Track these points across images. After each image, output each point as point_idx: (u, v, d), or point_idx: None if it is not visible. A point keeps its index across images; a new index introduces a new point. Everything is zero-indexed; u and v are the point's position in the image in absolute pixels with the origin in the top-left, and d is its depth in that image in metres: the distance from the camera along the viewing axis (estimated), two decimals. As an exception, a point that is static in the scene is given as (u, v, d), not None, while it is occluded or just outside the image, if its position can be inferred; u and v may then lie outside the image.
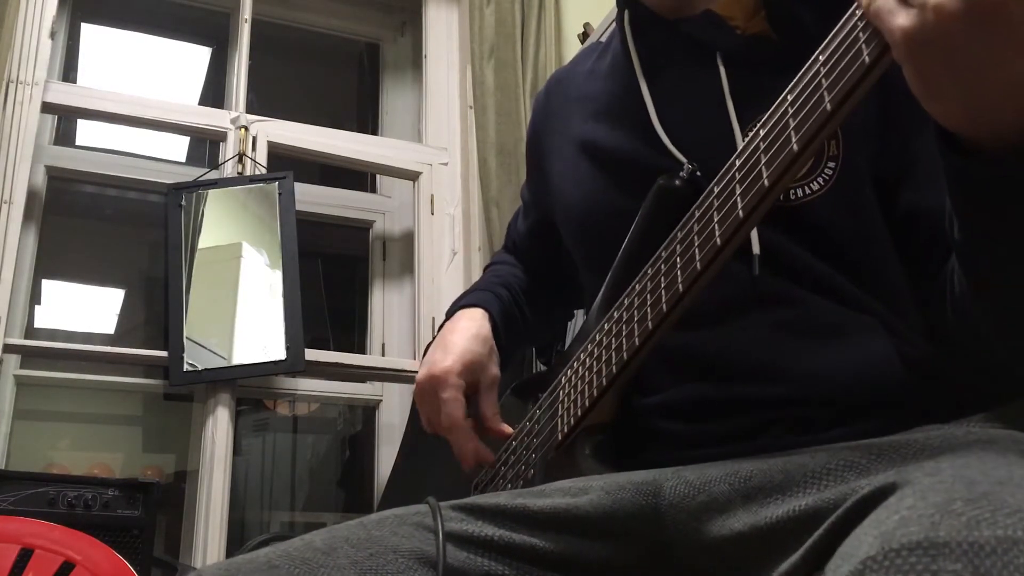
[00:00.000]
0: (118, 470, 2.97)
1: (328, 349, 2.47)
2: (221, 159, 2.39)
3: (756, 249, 0.72)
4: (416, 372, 0.94)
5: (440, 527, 0.66)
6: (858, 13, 0.54)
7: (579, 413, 0.78)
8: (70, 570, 1.44)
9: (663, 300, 0.69)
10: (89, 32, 3.17)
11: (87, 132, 3.15)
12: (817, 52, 0.57)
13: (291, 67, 3.52)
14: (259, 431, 3.38)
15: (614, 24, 0.93)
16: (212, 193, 2.26)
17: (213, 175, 2.36)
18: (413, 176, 2.58)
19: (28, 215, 2.16)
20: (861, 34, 0.53)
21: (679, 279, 0.68)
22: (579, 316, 1.37)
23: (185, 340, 2.09)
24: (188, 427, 2.57)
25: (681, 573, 0.65)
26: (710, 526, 0.62)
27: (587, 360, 0.80)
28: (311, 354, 2.18)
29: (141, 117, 2.34)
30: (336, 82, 3.64)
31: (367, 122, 3.09)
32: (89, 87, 2.44)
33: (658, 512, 0.65)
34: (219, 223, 2.24)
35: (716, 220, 0.65)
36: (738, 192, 0.63)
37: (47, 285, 3.42)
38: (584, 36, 2.49)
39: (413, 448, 1.56)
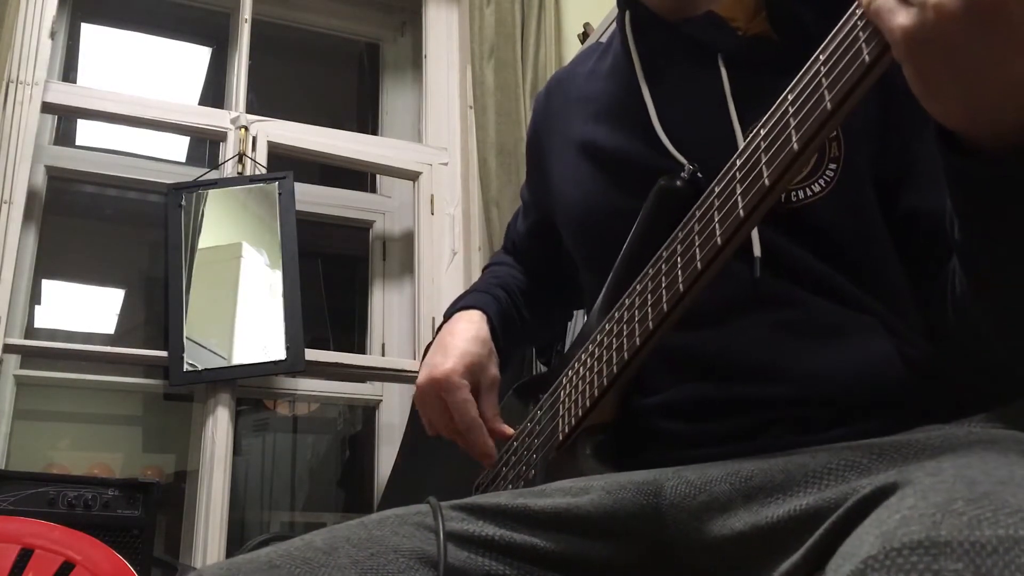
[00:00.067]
0: (118, 470, 2.97)
1: (328, 349, 2.47)
2: (221, 159, 2.39)
3: (757, 251, 0.72)
4: (416, 372, 0.94)
5: (441, 527, 0.66)
6: (858, 12, 0.54)
7: (580, 413, 0.78)
8: (70, 570, 1.43)
9: (664, 300, 0.69)
10: (89, 32, 3.17)
11: (87, 132, 3.15)
12: (818, 51, 0.57)
13: (291, 67, 3.52)
14: (259, 431, 3.38)
15: (614, 24, 0.93)
16: (212, 193, 2.26)
17: (213, 175, 2.36)
18: (413, 176, 2.58)
19: (28, 215, 2.16)
20: (861, 33, 0.53)
21: (680, 279, 0.68)
22: (580, 316, 1.37)
23: (185, 340, 2.09)
24: (188, 427, 2.57)
25: (682, 573, 0.65)
26: (711, 526, 0.62)
27: (588, 360, 0.80)
28: (311, 354, 2.18)
29: (141, 117, 2.34)
30: (336, 82, 3.64)
31: (367, 122, 3.09)
32: (89, 87, 2.44)
33: (659, 512, 0.65)
34: (219, 223, 2.24)
35: (717, 220, 0.65)
36: (739, 192, 0.63)
37: (47, 285, 3.42)
38: (584, 36, 2.49)
39: (413, 448, 1.56)
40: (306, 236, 2.41)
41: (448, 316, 0.99)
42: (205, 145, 2.97)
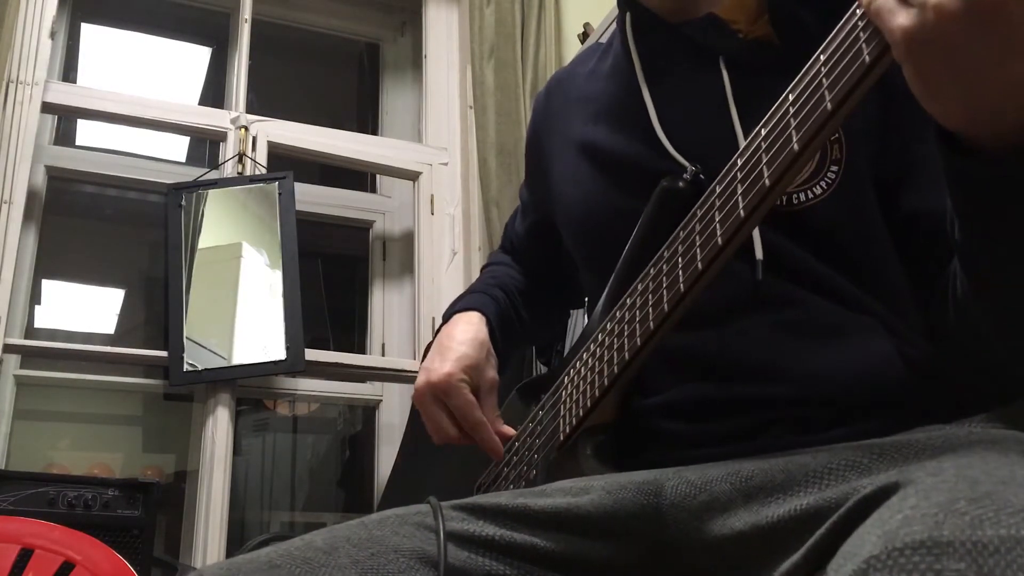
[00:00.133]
0: (118, 470, 2.97)
1: (328, 349, 2.47)
2: (221, 159, 2.39)
3: (759, 254, 0.72)
4: (416, 372, 0.94)
5: (441, 527, 0.66)
6: (859, 13, 0.54)
7: (581, 413, 0.78)
8: (70, 570, 1.43)
9: (665, 300, 0.69)
10: (89, 32, 3.17)
11: (87, 132, 3.15)
12: (818, 52, 0.57)
13: (291, 67, 3.52)
14: (259, 431, 3.38)
15: (614, 25, 0.93)
16: (212, 193, 2.26)
17: (213, 175, 2.36)
18: (413, 176, 2.58)
19: (28, 215, 2.16)
20: (862, 34, 0.54)
21: (681, 279, 0.68)
22: (580, 316, 1.37)
23: (185, 340, 2.09)
24: (188, 427, 2.57)
25: (682, 573, 0.65)
26: (711, 525, 0.62)
27: (589, 360, 0.80)
28: (311, 354, 2.18)
29: (141, 117, 2.34)
30: (336, 82, 3.64)
31: (367, 122, 3.09)
32: (89, 87, 2.44)
33: (659, 512, 0.65)
34: (219, 223, 2.24)
35: (718, 220, 0.65)
36: (739, 192, 0.63)
37: (47, 285, 3.42)
38: (584, 36, 2.49)
39: (413, 448, 1.56)
40: (306, 236, 2.41)
41: (447, 318, 0.99)
42: (205, 145, 2.97)
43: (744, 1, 0.81)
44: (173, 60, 3.44)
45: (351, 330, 3.00)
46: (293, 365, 2.11)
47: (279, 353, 2.10)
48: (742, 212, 0.62)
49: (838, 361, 0.70)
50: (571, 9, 2.65)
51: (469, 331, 0.94)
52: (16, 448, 2.23)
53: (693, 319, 0.71)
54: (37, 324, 3.25)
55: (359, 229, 2.75)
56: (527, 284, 1.07)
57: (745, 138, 0.71)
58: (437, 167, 2.59)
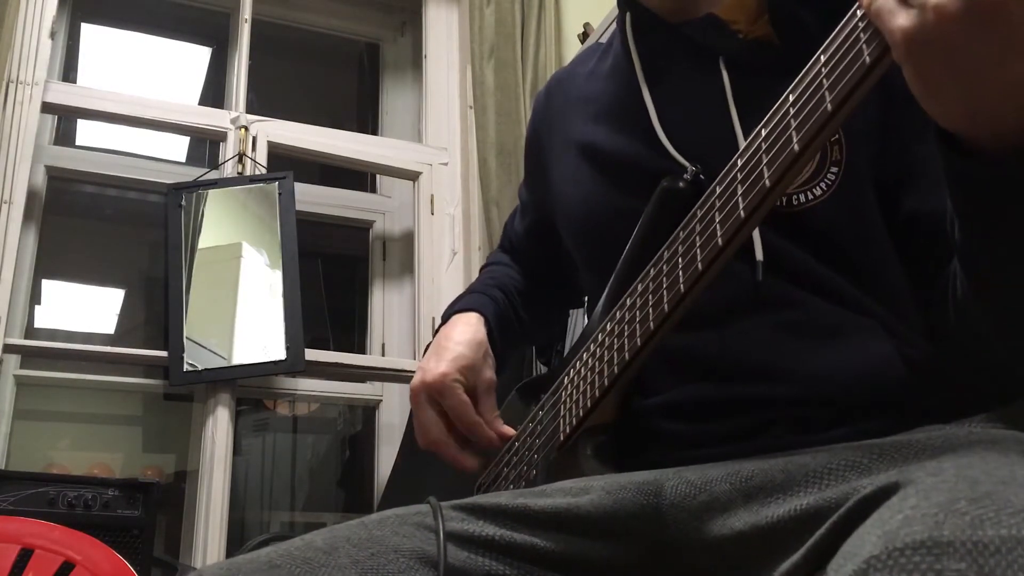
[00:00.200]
0: (118, 470, 2.97)
1: (328, 349, 2.47)
2: (221, 159, 2.39)
3: (759, 255, 0.73)
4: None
5: (441, 527, 0.66)
6: (859, 13, 0.54)
7: (581, 413, 0.78)
8: (70, 570, 1.43)
9: (665, 300, 0.69)
10: (89, 32, 3.17)
11: (87, 132, 3.15)
12: (818, 52, 0.57)
13: (291, 67, 3.52)
14: (259, 431, 3.38)
15: (614, 25, 0.93)
16: (212, 193, 2.26)
17: (213, 175, 2.36)
18: (413, 176, 2.58)
19: (28, 215, 2.16)
20: (862, 34, 0.54)
21: (681, 279, 0.68)
22: (580, 316, 1.37)
23: (185, 340, 2.09)
24: (188, 427, 2.57)
25: (682, 573, 0.65)
26: (711, 526, 0.62)
27: (589, 360, 0.80)
28: (311, 354, 2.18)
29: (141, 117, 2.34)
30: (336, 82, 3.64)
31: (367, 122, 3.09)
32: (89, 87, 2.44)
33: (659, 512, 0.65)
34: (219, 223, 2.24)
35: (718, 220, 0.65)
36: (740, 192, 0.63)
37: (47, 285, 3.42)
38: (584, 36, 2.49)
39: (413, 448, 1.56)
40: (306, 236, 2.41)
41: (445, 318, 0.99)
42: (205, 145, 2.97)
43: (744, 1, 0.81)
44: (173, 60, 3.44)
45: (351, 330, 3.00)
46: (293, 365, 2.11)
47: (279, 353, 2.10)
48: (742, 213, 0.62)
49: (838, 361, 0.70)
50: (571, 9, 2.65)
51: (467, 332, 0.94)
52: (16, 448, 2.23)
53: (693, 319, 0.71)
54: (37, 324, 3.25)
55: (359, 229, 2.75)
56: (526, 284, 1.07)
57: (745, 138, 0.71)
58: (437, 167, 2.59)
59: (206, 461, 2.06)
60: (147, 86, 3.15)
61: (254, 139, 2.39)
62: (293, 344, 2.11)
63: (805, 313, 0.73)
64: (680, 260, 0.68)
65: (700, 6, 0.82)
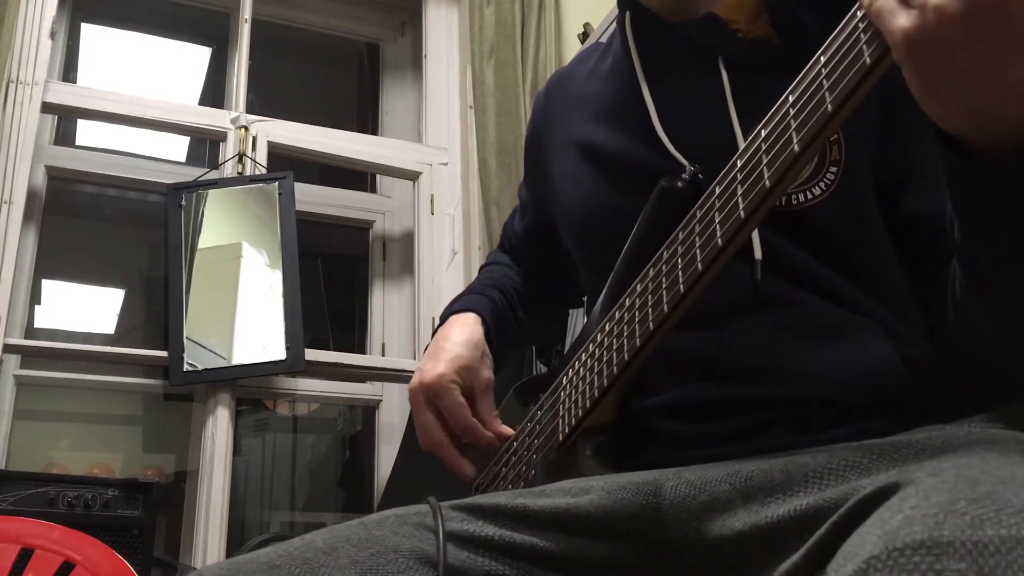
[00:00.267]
0: (118, 470, 2.97)
1: (328, 349, 2.47)
2: (221, 159, 2.39)
3: (758, 254, 0.73)
4: (417, 372, 0.95)
5: (441, 527, 0.66)
6: (859, 14, 0.54)
7: (580, 414, 0.78)
8: (70, 570, 1.43)
9: (664, 300, 0.69)
10: (89, 32, 3.17)
11: (87, 132, 3.15)
12: (819, 53, 0.57)
13: (291, 67, 3.52)
14: (259, 431, 3.38)
15: (614, 25, 0.93)
16: (212, 193, 2.26)
17: (213, 175, 2.36)
18: (413, 176, 2.58)
19: (28, 215, 2.16)
20: (863, 35, 0.53)
21: (680, 279, 0.68)
22: (580, 316, 1.37)
23: (185, 340, 2.09)
24: (188, 427, 2.57)
25: (682, 573, 0.65)
26: (711, 526, 0.62)
27: (588, 360, 0.80)
28: (311, 354, 2.18)
29: (141, 117, 2.34)
30: (336, 82, 3.64)
31: (367, 122, 3.09)
32: (89, 87, 2.44)
33: (659, 512, 0.65)
34: (219, 223, 2.24)
35: (718, 221, 0.65)
36: (739, 192, 0.63)
37: (47, 285, 3.42)
38: (584, 36, 2.49)
39: (413, 448, 1.56)
40: (306, 236, 2.41)
41: (443, 319, 0.99)
42: (205, 145, 2.97)
43: (743, 1, 0.81)
44: (173, 60, 3.44)
45: (351, 330, 3.00)
46: (293, 365, 2.11)
47: (279, 353, 2.10)
48: (742, 213, 0.62)
49: (838, 361, 0.70)
50: (571, 9, 2.65)
51: (464, 332, 0.94)
52: (16, 448, 2.23)
53: (693, 319, 0.71)
54: (37, 324, 3.25)
55: (359, 229, 2.75)
56: (525, 284, 1.07)
57: (744, 138, 0.71)
58: (437, 167, 2.59)
59: (206, 461, 2.06)
60: (147, 86, 3.16)
61: (254, 139, 2.39)
62: (293, 344, 2.11)
63: (804, 313, 0.73)
64: (679, 260, 0.68)
65: (700, 6, 0.82)
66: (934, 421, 0.66)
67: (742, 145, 0.64)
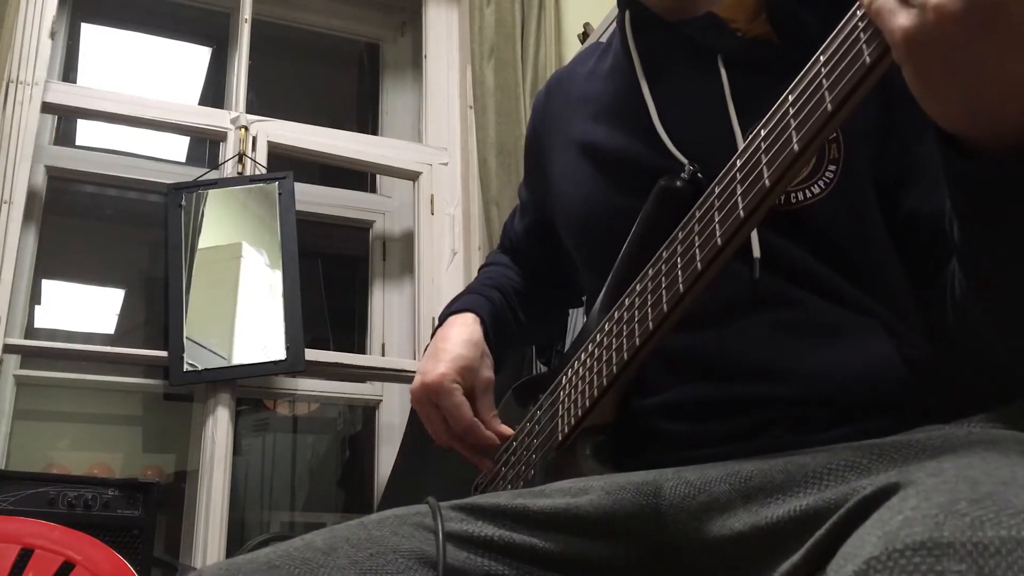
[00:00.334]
0: (118, 470, 2.97)
1: (328, 349, 2.47)
2: (221, 159, 2.39)
3: (757, 252, 0.72)
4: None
5: (440, 527, 0.66)
6: (859, 13, 0.54)
7: (580, 413, 0.78)
8: (70, 570, 1.43)
9: (664, 300, 0.69)
10: (89, 32, 3.17)
11: (87, 132, 3.15)
12: (818, 52, 0.57)
13: (291, 67, 3.52)
14: (259, 431, 3.38)
15: (614, 24, 0.92)
16: (212, 193, 2.26)
17: (213, 175, 2.36)
18: (413, 176, 2.58)
19: (28, 215, 2.15)
20: (862, 34, 0.53)
21: (680, 279, 0.68)
22: (579, 316, 1.37)
23: (185, 340, 2.09)
24: (188, 427, 2.57)
25: (682, 573, 0.65)
26: (711, 526, 0.62)
27: (588, 360, 0.80)
28: (311, 354, 2.18)
29: (141, 117, 2.34)
30: (336, 82, 3.64)
31: (367, 122, 3.09)
32: (89, 87, 2.44)
33: (658, 512, 0.65)
34: (219, 223, 2.24)
35: (717, 220, 0.65)
36: (739, 192, 0.63)
37: (47, 285, 3.42)
38: (584, 36, 2.49)
39: (413, 448, 1.56)
40: (306, 236, 2.41)
41: (442, 320, 0.99)
42: (205, 145, 2.97)
43: (743, 0, 0.81)
44: (173, 60, 3.44)
45: (351, 330, 3.00)
46: (293, 365, 2.11)
47: (279, 353, 2.10)
48: (741, 213, 0.62)
49: (837, 361, 0.70)
50: (571, 9, 2.65)
51: (463, 332, 0.94)
52: (16, 448, 2.23)
53: (692, 319, 0.71)
54: (37, 324, 3.25)
55: (359, 229, 2.75)
56: (525, 284, 1.07)
57: (744, 137, 0.71)
58: (437, 167, 2.59)
59: (206, 461, 2.06)
60: (147, 86, 3.15)
61: (254, 139, 2.39)
62: (293, 344, 2.11)
63: (804, 312, 0.73)
64: (679, 260, 0.68)
65: (699, 5, 0.82)
66: (934, 421, 0.66)
67: (741, 144, 0.64)
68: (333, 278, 3.42)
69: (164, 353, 2.10)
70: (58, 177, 2.39)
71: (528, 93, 2.45)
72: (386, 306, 2.60)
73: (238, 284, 2.18)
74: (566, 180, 0.92)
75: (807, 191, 0.74)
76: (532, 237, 1.07)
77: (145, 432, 3.17)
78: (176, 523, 2.30)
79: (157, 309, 3.06)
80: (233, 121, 2.40)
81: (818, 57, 0.57)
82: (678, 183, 0.75)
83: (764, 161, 0.61)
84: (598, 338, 0.79)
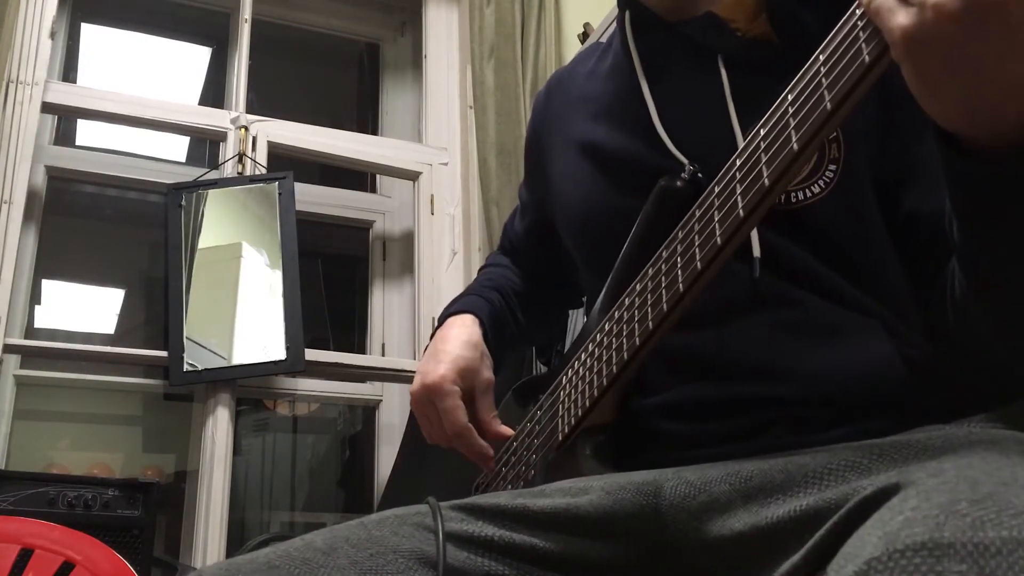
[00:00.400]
0: (118, 470, 2.97)
1: (328, 349, 2.47)
2: (221, 159, 2.39)
3: (757, 252, 0.72)
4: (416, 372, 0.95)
5: (440, 527, 0.66)
6: (858, 12, 0.54)
7: (580, 413, 0.78)
8: (70, 570, 1.43)
9: (664, 300, 0.69)
10: (89, 32, 3.17)
11: (87, 132, 3.15)
12: (818, 51, 0.57)
13: (291, 67, 3.52)
14: (259, 431, 3.38)
15: (614, 24, 0.92)
16: (212, 193, 2.26)
17: (213, 175, 2.36)
18: (413, 176, 2.58)
19: (28, 215, 2.15)
20: (861, 33, 0.53)
21: (679, 279, 0.67)
22: (579, 316, 1.37)
23: (185, 340, 2.09)
24: (188, 427, 2.57)
25: (682, 573, 0.65)
26: (711, 526, 0.62)
27: (588, 360, 0.80)
28: (311, 354, 2.18)
29: (141, 117, 2.34)
30: (336, 82, 3.64)
31: (367, 122, 3.09)
32: (89, 87, 2.44)
33: (658, 512, 0.65)
34: (219, 223, 2.24)
35: (717, 220, 0.65)
36: (739, 192, 0.63)
37: (47, 285, 3.42)
38: (584, 36, 2.49)
39: (413, 448, 1.56)
40: (306, 236, 2.41)
41: (441, 321, 0.99)
42: (205, 145, 2.97)
43: (743, 0, 0.81)
44: (173, 60, 3.44)
45: (351, 330, 3.00)
46: (293, 365, 2.11)
47: (279, 353, 2.10)
48: (741, 212, 0.62)
49: (837, 361, 0.70)
50: (571, 9, 2.65)
51: (463, 334, 0.94)
52: (16, 448, 2.23)
53: (692, 319, 0.71)
54: (37, 324, 3.25)
55: (359, 229, 2.75)
56: (524, 285, 1.07)
57: (744, 137, 0.71)
58: (437, 167, 2.59)
59: (206, 461, 2.06)
60: (147, 86, 3.16)
61: (254, 139, 2.39)
62: (293, 344, 2.11)
63: (804, 312, 0.73)
64: (679, 260, 0.68)
65: (699, 5, 0.82)
66: (934, 421, 0.66)
67: (741, 144, 0.64)
68: (333, 278, 3.42)
69: (164, 353, 2.10)
70: (58, 177, 2.39)
71: (528, 93, 2.45)
72: (386, 306, 2.60)
73: (238, 284, 2.18)
74: (566, 180, 0.92)
75: (807, 191, 0.74)
76: (532, 237, 1.07)
77: (145, 432, 3.17)
78: (176, 523, 2.30)
79: (157, 309, 3.06)
80: (233, 121, 2.40)
81: (817, 56, 0.57)
82: (678, 183, 0.75)
83: (764, 160, 0.61)
84: (598, 338, 0.79)
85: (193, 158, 3.32)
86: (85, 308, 3.87)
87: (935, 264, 0.71)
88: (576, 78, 0.98)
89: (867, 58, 0.53)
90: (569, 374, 0.83)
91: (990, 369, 0.68)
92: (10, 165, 2.09)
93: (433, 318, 2.39)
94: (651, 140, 0.81)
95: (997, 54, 0.48)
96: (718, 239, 0.64)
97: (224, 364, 2.08)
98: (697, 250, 0.66)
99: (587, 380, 0.79)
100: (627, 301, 0.75)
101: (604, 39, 1.00)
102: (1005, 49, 0.47)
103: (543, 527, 0.68)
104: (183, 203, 2.23)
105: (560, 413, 0.82)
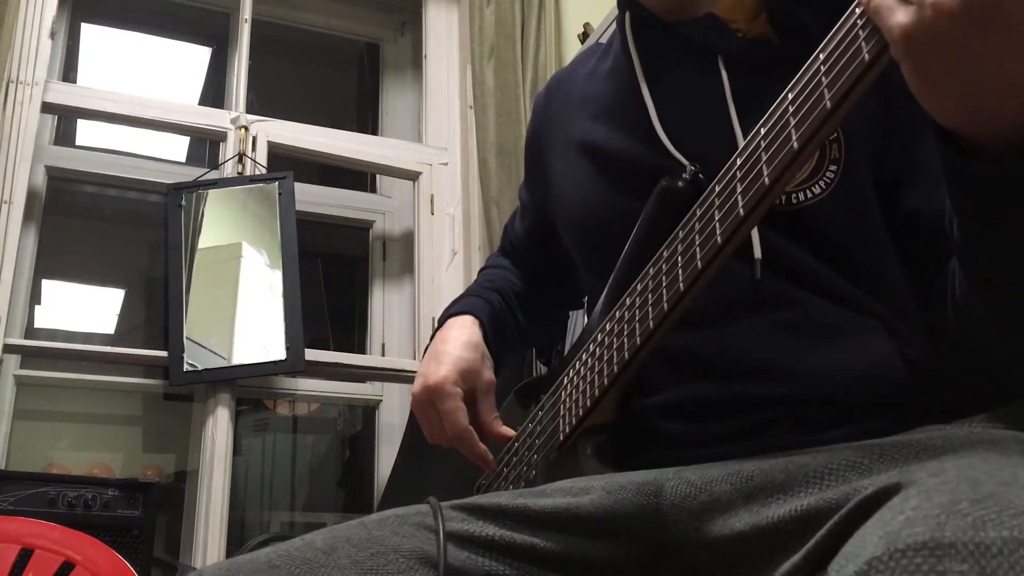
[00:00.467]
0: (118, 470, 2.97)
1: (328, 349, 2.47)
2: (221, 159, 2.39)
3: (758, 253, 0.72)
4: (416, 372, 0.95)
5: (441, 527, 0.66)
6: (858, 11, 0.54)
7: (581, 413, 0.78)
8: (70, 570, 1.43)
9: (664, 299, 0.69)
10: (89, 32, 3.17)
11: (87, 132, 3.15)
12: (817, 50, 0.57)
13: (291, 67, 3.52)
14: (259, 431, 3.38)
15: (614, 25, 0.93)
16: (212, 193, 2.26)
17: (213, 175, 2.36)
18: (413, 176, 2.58)
19: (28, 215, 2.15)
20: (861, 32, 0.53)
21: (680, 278, 0.67)
22: (580, 317, 1.37)
23: (185, 340, 2.09)
24: (188, 427, 2.57)
25: (683, 573, 0.65)
26: (711, 526, 0.62)
27: (589, 360, 0.80)
28: (311, 354, 2.18)
29: (141, 117, 2.34)
30: (336, 82, 3.64)
31: (367, 122, 3.09)
32: (89, 87, 2.44)
33: (659, 512, 0.65)
34: (219, 223, 2.24)
35: (717, 219, 0.65)
36: (739, 191, 0.63)
37: (47, 285, 3.42)
38: (584, 36, 2.49)
39: (413, 448, 1.56)
40: (306, 236, 2.41)
41: (441, 322, 0.99)
42: (205, 145, 2.97)
43: (742, 0, 0.81)
44: (173, 60, 3.44)
45: (351, 330, 3.00)
46: (293, 365, 2.11)
47: (279, 353, 2.10)
48: (741, 211, 0.62)
49: (838, 361, 0.70)
50: (571, 9, 2.65)
51: (463, 335, 0.94)
52: (16, 448, 2.23)
53: (692, 319, 0.71)
54: (37, 324, 3.25)
55: (359, 229, 2.75)
56: (524, 286, 1.07)
57: (744, 137, 0.71)
58: (437, 167, 2.59)
59: (206, 461, 2.06)
60: (147, 86, 3.16)
61: (254, 139, 2.39)
62: (293, 344, 2.11)
63: (804, 312, 0.73)
64: (679, 259, 0.68)
65: (699, 5, 0.82)
66: (934, 421, 0.66)
67: (742, 144, 0.64)
68: (333, 278, 3.42)
69: (164, 353, 2.10)
70: (58, 177, 2.39)
71: (528, 93, 2.45)
72: (386, 306, 2.60)
73: (238, 284, 2.18)
74: (566, 181, 0.92)
75: (808, 191, 0.74)
76: (532, 238, 1.07)
77: (145, 432, 3.17)
78: (176, 523, 2.30)
79: (157, 309, 3.06)
80: (233, 121, 2.40)
81: (817, 55, 0.57)
82: (679, 183, 0.75)
83: (764, 159, 0.61)
84: (599, 338, 0.79)
85: (193, 158, 3.32)
86: (85, 308, 3.87)
87: (935, 264, 0.71)
88: (576, 79, 0.98)
89: (867, 57, 0.53)
90: (570, 374, 0.83)
91: (990, 369, 0.68)
92: (10, 165, 2.09)
93: (433, 318, 2.39)
94: (651, 141, 0.81)
95: (997, 53, 0.47)
96: (718, 238, 0.64)
97: (224, 364, 2.08)
98: (698, 249, 0.66)
99: (588, 380, 0.79)
100: (628, 301, 0.75)
101: (604, 39, 1.00)
102: (1005, 49, 0.47)
103: (544, 527, 0.68)
104: (183, 203, 2.23)
105: (561, 413, 0.82)
